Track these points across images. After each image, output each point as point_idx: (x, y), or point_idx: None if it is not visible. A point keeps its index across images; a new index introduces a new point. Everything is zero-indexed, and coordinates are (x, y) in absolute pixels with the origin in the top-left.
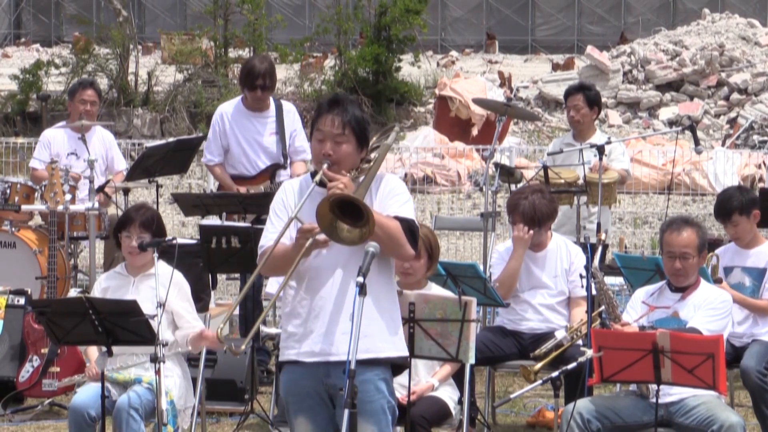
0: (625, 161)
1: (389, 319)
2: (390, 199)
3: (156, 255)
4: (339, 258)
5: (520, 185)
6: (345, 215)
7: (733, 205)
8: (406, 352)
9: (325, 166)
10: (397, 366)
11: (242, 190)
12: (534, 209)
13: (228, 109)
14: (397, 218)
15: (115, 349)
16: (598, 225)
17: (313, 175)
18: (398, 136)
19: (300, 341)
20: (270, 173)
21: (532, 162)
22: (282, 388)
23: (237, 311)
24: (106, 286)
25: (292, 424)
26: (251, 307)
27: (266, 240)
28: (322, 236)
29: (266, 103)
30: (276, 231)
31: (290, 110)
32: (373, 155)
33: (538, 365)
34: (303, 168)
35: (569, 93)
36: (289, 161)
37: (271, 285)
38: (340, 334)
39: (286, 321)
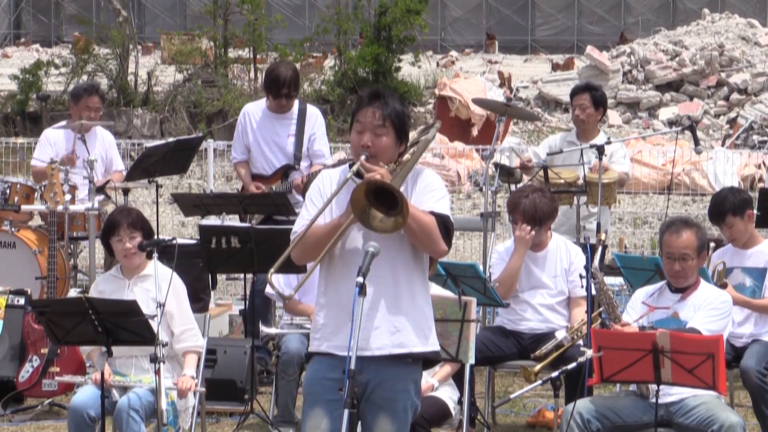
0: (626, 164)
1: (421, 314)
2: (426, 194)
3: (156, 255)
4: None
5: (520, 185)
6: (379, 203)
7: (726, 206)
8: (437, 347)
9: (363, 157)
10: (428, 360)
11: (253, 189)
12: (535, 208)
13: (252, 110)
14: (432, 213)
15: (114, 349)
16: (598, 225)
17: (352, 165)
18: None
19: (333, 333)
20: (282, 173)
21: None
22: (306, 378)
23: (238, 311)
24: (102, 289)
25: (304, 416)
26: (256, 304)
27: (299, 226)
28: None
29: (289, 106)
30: (311, 217)
31: (313, 114)
32: (411, 150)
33: (538, 366)
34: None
35: (575, 92)
36: (308, 163)
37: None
38: (374, 329)
39: (319, 312)
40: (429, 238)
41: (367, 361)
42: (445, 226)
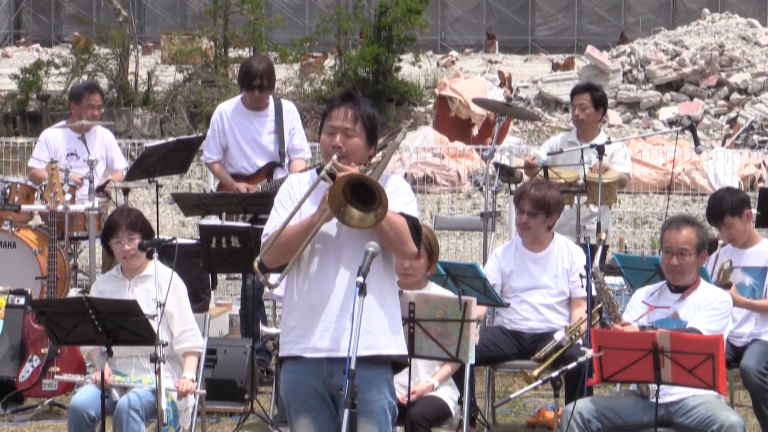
0: (627, 164)
1: (391, 317)
2: (395, 198)
3: (156, 255)
4: (345, 252)
5: (520, 185)
6: (355, 199)
7: (724, 207)
8: (406, 351)
9: (335, 157)
10: (396, 364)
11: (242, 187)
12: (544, 196)
13: (227, 108)
14: (402, 215)
15: (114, 349)
16: (598, 225)
17: (319, 169)
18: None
19: (303, 336)
20: (267, 171)
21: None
22: (283, 387)
23: (238, 311)
24: (102, 289)
25: (293, 425)
26: (252, 307)
27: (270, 228)
28: None
29: (265, 102)
30: (281, 220)
31: (290, 109)
32: (380, 153)
33: (537, 371)
34: (302, 166)
35: (576, 91)
36: (287, 160)
37: None
38: (344, 331)
39: (288, 314)
40: (400, 238)
41: (338, 363)
42: (415, 227)
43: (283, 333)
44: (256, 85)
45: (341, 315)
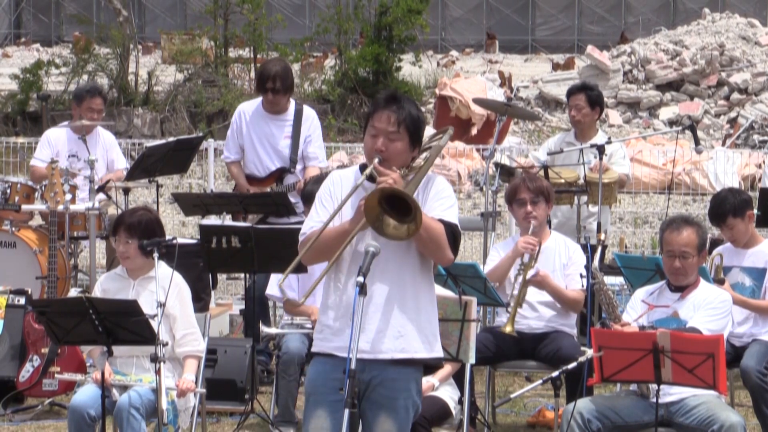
0: (626, 165)
1: (427, 320)
2: (436, 202)
3: (156, 255)
4: (382, 255)
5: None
6: (392, 210)
7: (726, 207)
8: (440, 353)
9: (376, 161)
10: (429, 366)
11: (252, 190)
12: (540, 184)
13: (247, 109)
14: (441, 221)
15: (115, 348)
16: (598, 225)
17: (362, 168)
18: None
19: (337, 335)
20: (277, 176)
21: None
22: (307, 379)
23: (238, 311)
24: (106, 287)
25: (307, 417)
26: (253, 307)
27: (308, 227)
28: None
29: (283, 106)
30: (320, 219)
31: (309, 116)
32: (423, 155)
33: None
34: (315, 173)
35: (571, 92)
36: (302, 166)
37: (271, 286)
38: (378, 332)
39: (324, 313)
40: (437, 245)
41: (369, 362)
42: (453, 234)
43: (317, 330)
44: (269, 87)
45: (375, 317)
